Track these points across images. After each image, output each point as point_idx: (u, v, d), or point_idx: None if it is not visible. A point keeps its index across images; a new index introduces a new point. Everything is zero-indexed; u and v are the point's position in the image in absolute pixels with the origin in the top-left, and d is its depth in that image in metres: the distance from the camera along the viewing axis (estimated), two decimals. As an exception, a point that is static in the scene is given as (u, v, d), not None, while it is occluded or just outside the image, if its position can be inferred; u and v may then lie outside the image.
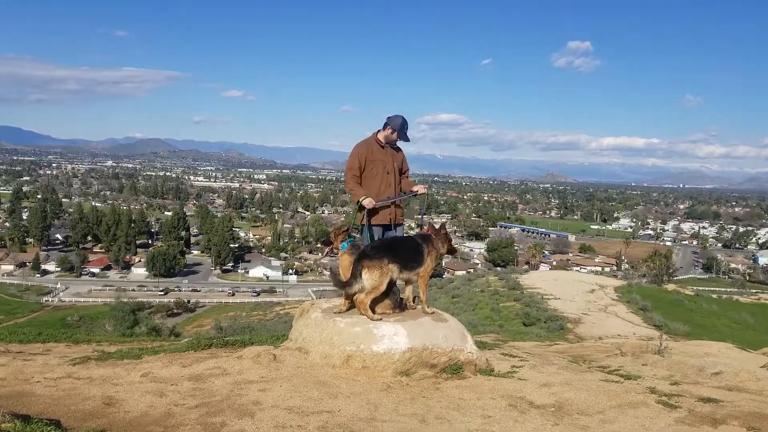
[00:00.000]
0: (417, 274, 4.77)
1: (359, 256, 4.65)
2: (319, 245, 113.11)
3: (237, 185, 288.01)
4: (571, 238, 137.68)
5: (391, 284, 4.76)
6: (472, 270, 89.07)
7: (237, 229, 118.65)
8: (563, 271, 56.20)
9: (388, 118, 5.23)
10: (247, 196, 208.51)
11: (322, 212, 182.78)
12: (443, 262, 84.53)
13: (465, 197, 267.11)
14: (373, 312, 4.76)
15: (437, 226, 5.03)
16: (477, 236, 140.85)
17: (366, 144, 5.35)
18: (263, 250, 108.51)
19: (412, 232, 5.49)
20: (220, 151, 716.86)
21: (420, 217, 5.52)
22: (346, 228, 5.26)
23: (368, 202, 5.13)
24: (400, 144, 5.49)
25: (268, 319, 49.33)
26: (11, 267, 78.38)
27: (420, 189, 5.37)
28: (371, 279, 4.53)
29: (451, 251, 5.10)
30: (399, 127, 5.17)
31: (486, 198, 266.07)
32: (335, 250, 5.29)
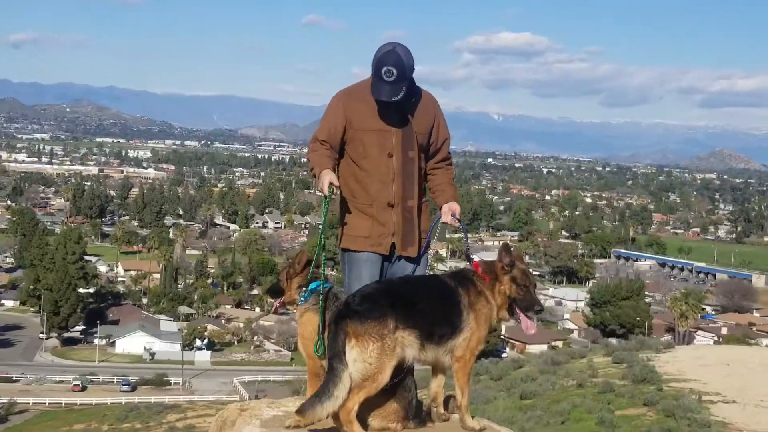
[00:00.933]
0: (450, 352, 4.79)
1: (338, 314, 4.65)
2: (256, 291, 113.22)
3: (94, 170, 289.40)
4: (758, 280, 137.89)
5: (402, 372, 4.77)
6: (559, 343, 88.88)
7: (93, 259, 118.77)
8: (742, 346, 56.15)
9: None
10: (114, 193, 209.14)
11: (264, 225, 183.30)
12: (501, 327, 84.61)
13: (547, 198, 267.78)
14: (366, 427, 4.78)
15: (502, 254, 4.95)
16: (571, 276, 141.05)
17: (351, 94, 5.41)
18: (144, 301, 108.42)
19: (440, 268, 5.48)
20: (61, 102, 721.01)
21: (465, 247, 5.49)
22: (309, 259, 5.25)
23: (327, 182, 5.08)
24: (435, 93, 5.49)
25: (154, 439, 49.27)
26: None
27: (445, 215, 5.39)
28: (362, 361, 4.51)
29: (529, 304, 4.89)
30: (375, 64, 5.16)
31: (588, 200, 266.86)
32: (289, 306, 5.28)
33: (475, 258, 5.19)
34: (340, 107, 5.33)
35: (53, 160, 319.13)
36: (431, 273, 5.41)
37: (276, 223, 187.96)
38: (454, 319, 4.70)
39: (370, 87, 5.28)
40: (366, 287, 4.83)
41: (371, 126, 5.29)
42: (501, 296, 4.84)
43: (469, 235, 5.62)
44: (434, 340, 4.65)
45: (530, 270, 4.91)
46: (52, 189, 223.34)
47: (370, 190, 5.29)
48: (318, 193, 5.31)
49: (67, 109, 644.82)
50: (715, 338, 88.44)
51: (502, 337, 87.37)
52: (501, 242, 5.20)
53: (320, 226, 5.36)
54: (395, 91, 5.12)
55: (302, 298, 5.11)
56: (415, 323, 4.57)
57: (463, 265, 5.34)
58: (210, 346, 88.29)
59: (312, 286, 5.11)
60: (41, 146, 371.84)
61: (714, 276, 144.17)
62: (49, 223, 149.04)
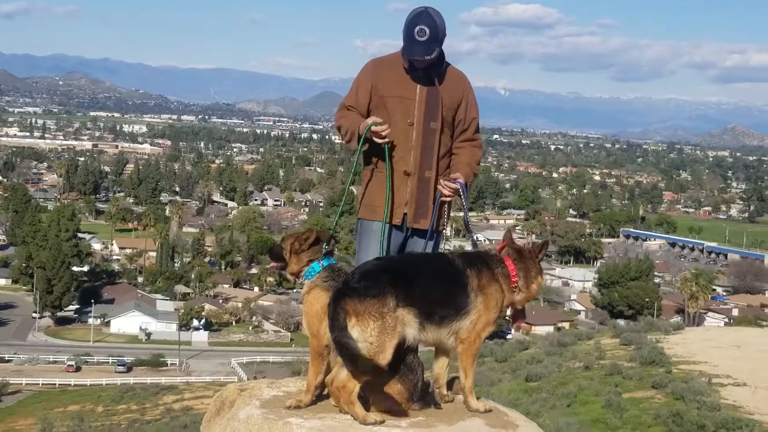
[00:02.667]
0: (455, 334, 4.76)
1: (337, 292, 4.65)
2: (254, 270, 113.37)
3: (88, 145, 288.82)
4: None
5: (402, 352, 4.80)
6: (566, 324, 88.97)
7: (87, 237, 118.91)
8: (754, 328, 56.33)
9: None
10: (108, 169, 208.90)
11: (263, 202, 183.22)
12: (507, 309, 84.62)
13: (554, 176, 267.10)
14: (369, 408, 4.77)
15: (542, 250, 5.01)
16: (578, 255, 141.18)
17: (380, 62, 5.58)
18: (140, 279, 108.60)
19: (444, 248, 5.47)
20: (54, 75, 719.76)
21: (466, 223, 5.49)
22: (318, 238, 5.20)
23: (381, 128, 5.27)
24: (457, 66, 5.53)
25: (150, 421, 49.48)
26: None
27: (445, 186, 5.38)
28: (363, 340, 4.51)
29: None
30: (407, 26, 5.28)
31: (597, 178, 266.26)
32: (293, 277, 5.24)
33: (475, 235, 5.17)
34: (368, 74, 5.47)
35: (46, 135, 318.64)
36: (438, 252, 5.42)
37: (275, 200, 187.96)
38: (460, 301, 4.68)
39: (399, 56, 5.41)
40: (365, 264, 4.85)
41: (395, 93, 5.39)
42: (537, 287, 4.97)
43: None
44: (435, 321, 4.64)
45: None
46: (45, 164, 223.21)
47: (392, 158, 5.38)
48: (352, 158, 5.48)
49: (60, 82, 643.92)
50: (726, 320, 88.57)
51: (507, 318, 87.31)
52: (543, 241, 5.19)
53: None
54: (428, 51, 5.21)
55: (307, 273, 5.08)
56: (414, 302, 4.57)
57: (470, 241, 5.33)
58: (207, 326, 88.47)
59: (324, 262, 5.08)
60: (33, 120, 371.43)
61: (725, 256, 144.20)
62: (41, 200, 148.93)
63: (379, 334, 4.45)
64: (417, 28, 5.18)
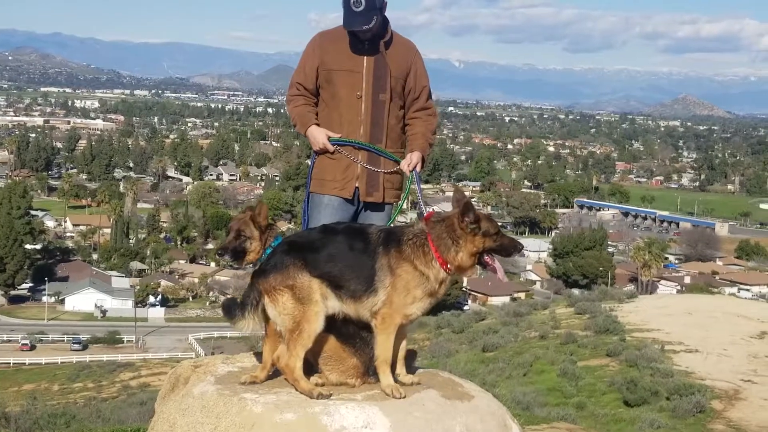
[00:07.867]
0: (369, 310, 4.67)
1: (254, 273, 4.75)
2: (210, 246, 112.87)
3: (40, 121, 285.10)
4: (721, 229, 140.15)
5: (353, 325, 4.79)
6: (521, 294, 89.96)
7: (40, 214, 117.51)
8: (705, 295, 57.26)
9: None
10: (61, 145, 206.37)
11: (218, 177, 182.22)
12: (463, 280, 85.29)
13: (509, 147, 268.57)
14: (322, 380, 4.80)
15: (467, 213, 4.60)
16: (533, 226, 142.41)
17: (326, 35, 5.56)
18: (95, 257, 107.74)
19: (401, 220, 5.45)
20: (3, 50, 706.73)
21: (418, 203, 5.45)
22: (259, 213, 5.12)
23: (318, 136, 5.38)
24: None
25: (106, 398, 49.21)
26: None
27: (404, 164, 5.42)
28: (279, 314, 4.57)
29: (512, 248, 4.65)
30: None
31: (551, 149, 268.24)
32: (253, 261, 5.15)
33: (429, 209, 5.10)
34: (315, 47, 5.45)
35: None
36: (359, 224, 5.31)
37: (231, 175, 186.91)
38: (366, 278, 4.60)
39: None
40: (290, 236, 4.90)
41: (341, 66, 5.36)
42: (468, 255, 4.60)
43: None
44: (348, 294, 4.61)
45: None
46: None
47: (340, 133, 5.39)
48: (313, 149, 5.50)
49: (10, 57, 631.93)
50: (678, 287, 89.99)
51: (464, 289, 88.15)
52: (457, 196, 4.76)
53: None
54: (367, 20, 5.17)
55: (267, 252, 5.02)
56: (322, 272, 4.58)
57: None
58: (164, 302, 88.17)
59: (275, 242, 5.04)
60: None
61: (677, 225, 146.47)
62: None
63: (294, 304, 4.53)
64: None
